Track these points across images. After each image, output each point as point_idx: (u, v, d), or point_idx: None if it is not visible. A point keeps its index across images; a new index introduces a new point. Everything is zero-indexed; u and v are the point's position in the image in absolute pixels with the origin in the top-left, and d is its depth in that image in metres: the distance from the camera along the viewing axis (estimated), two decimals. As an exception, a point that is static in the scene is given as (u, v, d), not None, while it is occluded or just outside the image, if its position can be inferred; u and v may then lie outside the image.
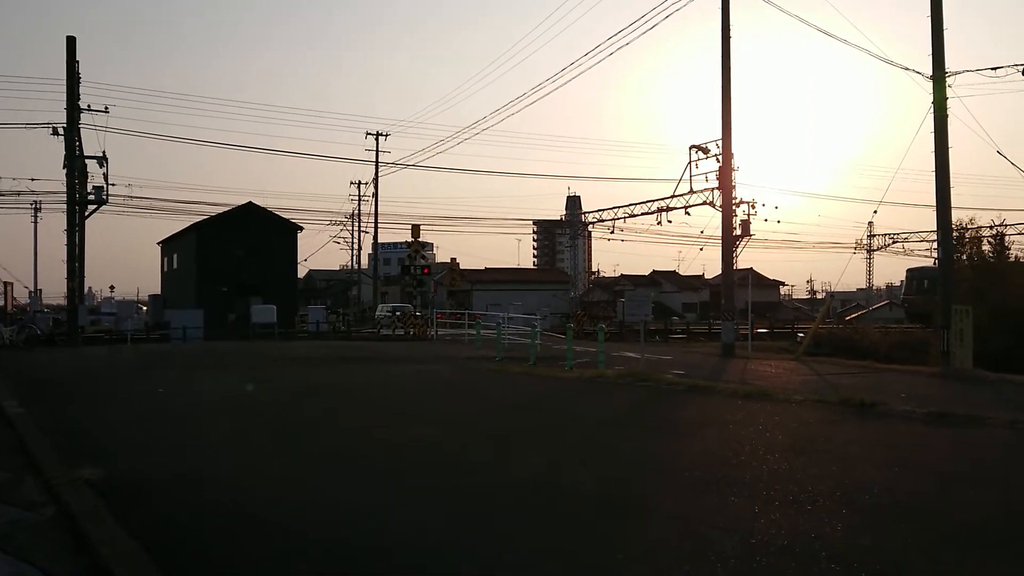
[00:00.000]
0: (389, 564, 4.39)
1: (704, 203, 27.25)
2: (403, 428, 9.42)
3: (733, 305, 23.06)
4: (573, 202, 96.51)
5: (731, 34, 21.96)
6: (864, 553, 4.41)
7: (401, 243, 34.09)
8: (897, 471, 6.66)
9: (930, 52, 17.35)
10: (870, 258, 54.04)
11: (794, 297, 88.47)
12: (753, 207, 29.06)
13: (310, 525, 5.13)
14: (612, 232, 35.69)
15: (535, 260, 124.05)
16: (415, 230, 31.63)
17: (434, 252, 73.60)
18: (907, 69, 18.49)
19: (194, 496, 5.98)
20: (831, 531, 4.82)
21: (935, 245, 19.14)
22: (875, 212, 61.80)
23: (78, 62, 27.63)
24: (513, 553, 4.54)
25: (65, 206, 27.86)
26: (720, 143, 23.48)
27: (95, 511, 5.39)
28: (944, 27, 17.26)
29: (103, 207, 29.45)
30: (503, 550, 4.60)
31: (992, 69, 17.29)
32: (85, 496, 5.78)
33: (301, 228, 46.98)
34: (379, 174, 49.38)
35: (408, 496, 5.93)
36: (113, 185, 32.32)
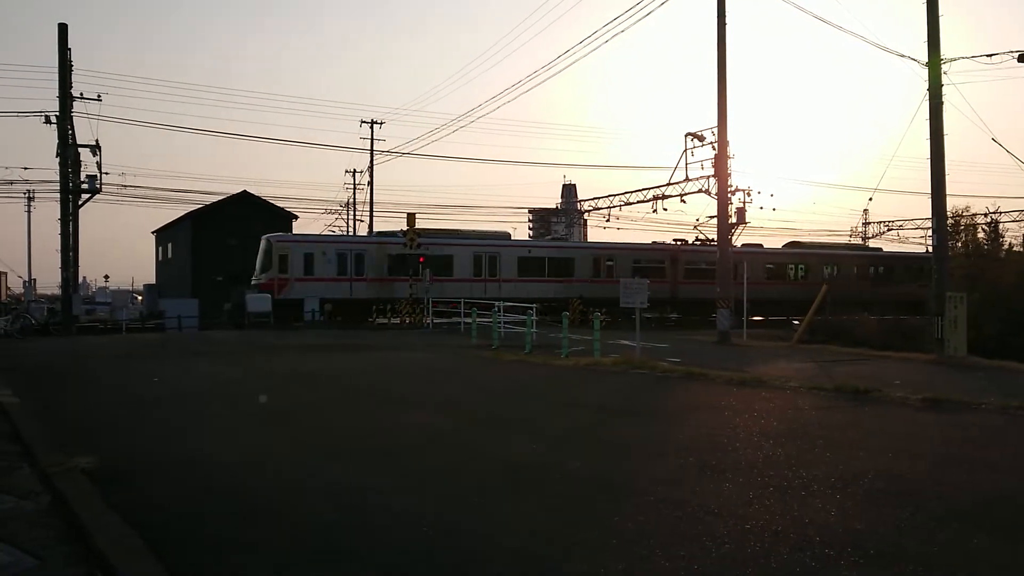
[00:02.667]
0: (387, 545, 4.41)
1: (700, 191, 27.27)
2: (399, 414, 9.43)
3: (729, 293, 23.08)
4: (569, 190, 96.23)
5: (726, 21, 21.91)
6: (858, 537, 4.44)
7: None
8: (891, 456, 6.69)
9: (925, 39, 17.34)
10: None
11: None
12: (749, 195, 29.11)
13: (306, 508, 5.14)
14: (608, 220, 35.69)
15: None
16: (410, 218, 31.52)
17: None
18: (903, 56, 18.50)
19: (191, 483, 5.98)
20: (825, 516, 4.85)
21: (930, 232, 19.15)
22: (870, 199, 61.75)
23: (70, 50, 27.44)
24: (511, 536, 4.55)
25: (59, 195, 27.72)
26: (716, 131, 23.47)
27: (91, 499, 5.39)
28: (939, 13, 17.25)
29: (97, 196, 29.31)
30: (500, 532, 4.61)
31: (987, 56, 17.31)
32: (81, 484, 5.79)
33: (296, 217, 46.83)
34: (375, 162, 49.23)
35: (405, 478, 5.94)
36: (107, 174, 32.17)
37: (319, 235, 32.75)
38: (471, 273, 32.96)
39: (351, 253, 31.31)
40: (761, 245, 40.07)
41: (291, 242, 31.17)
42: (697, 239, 38.35)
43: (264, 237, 30.95)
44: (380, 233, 33.70)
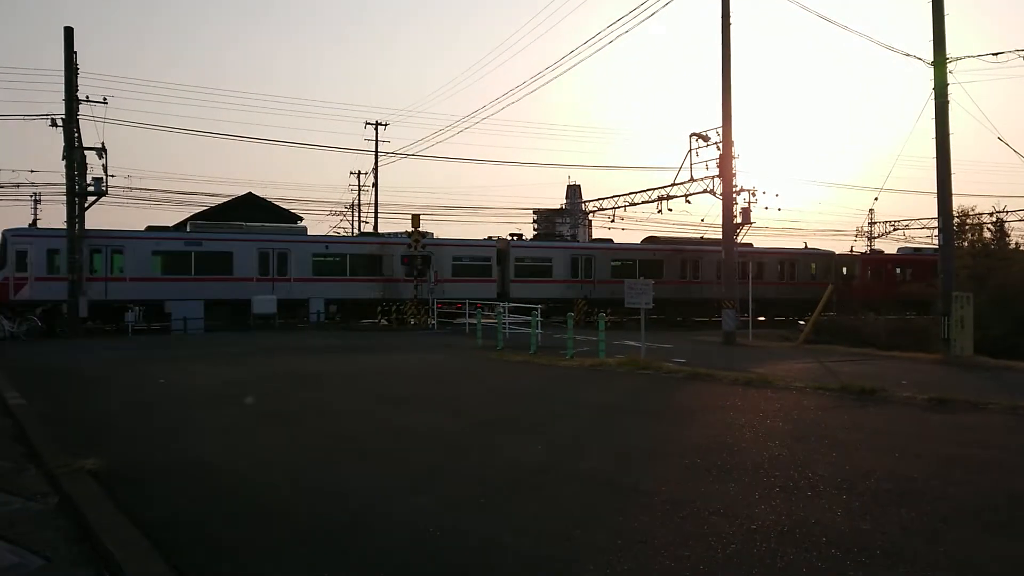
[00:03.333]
0: (391, 546, 4.41)
1: (705, 191, 27.24)
2: (404, 414, 9.44)
3: (734, 293, 23.05)
4: (573, 191, 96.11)
5: (731, 21, 21.89)
6: (865, 537, 4.43)
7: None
8: (898, 456, 6.68)
9: (931, 38, 17.31)
10: (871, 245, 53.99)
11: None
12: (754, 195, 29.08)
13: (310, 510, 5.15)
14: (613, 220, 35.68)
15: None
16: (415, 220, 31.59)
17: (434, 242, 73.19)
18: (908, 55, 18.45)
19: (196, 484, 6.00)
20: (832, 516, 4.84)
21: (936, 231, 19.10)
22: (876, 199, 61.75)
23: (76, 53, 27.51)
24: (516, 536, 4.55)
25: (65, 198, 27.79)
26: (720, 131, 23.44)
27: (97, 500, 5.42)
28: (945, 12, 17.22)
29: (103, 198, 29.35)
30: (505, 532, 4.61)
31: (993, 54, 17.24)
32: (87, 485, 5.82)
33: (301, 218, 46.82)
34: (379, 164, 49.33)
35: (410, 479, 5.95)
36: (112, 176, 32.17)
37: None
38: (257, 272, 29.59)
39: (108, 249, 27.82)
40: (611, 240, 37.17)
41: (32, 236, 27.48)
42: (536, 234, 36.24)
43: (2, 231, 27.47)
44: (151, 228, 30.04)
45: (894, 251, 45.22)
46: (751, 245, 39.43)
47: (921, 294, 29.08)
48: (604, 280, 34.66)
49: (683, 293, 35.72)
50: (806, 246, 41.98)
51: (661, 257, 36.48)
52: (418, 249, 30.79)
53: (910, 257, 42.18)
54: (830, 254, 40.81)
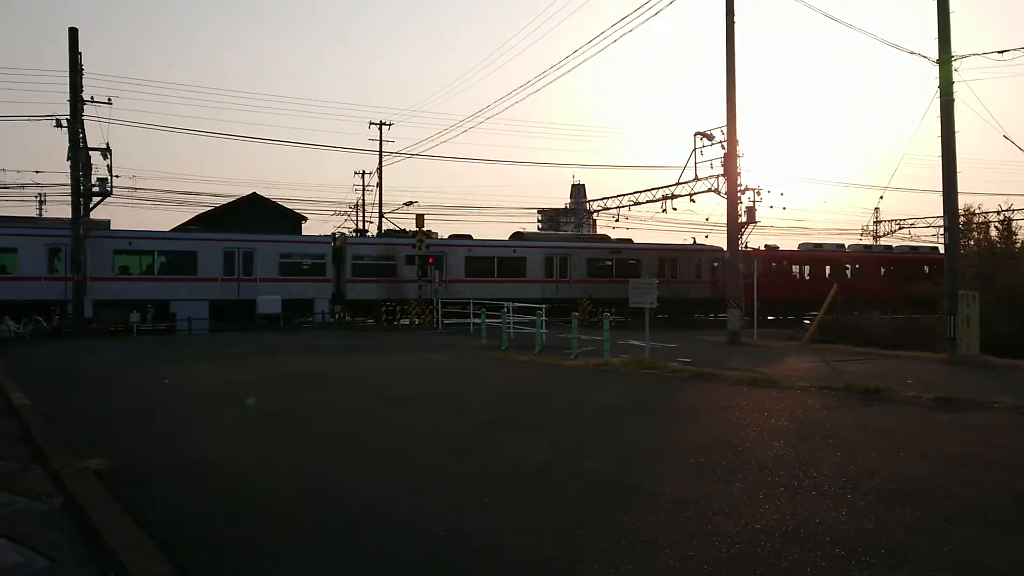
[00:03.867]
0: (395, 546, 4.41)
1: (709, 190, 27.19)
2: (407, 414, 9.44)
3: (739, 292, 23.01)
4: (578, 190, 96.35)
5: (735, 20, 21.85)
6: (869, 537, 4.41)
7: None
8: (902, 456, 6.66)
9: (935, 36, 17.25)
10: (875, 243, 53.80)
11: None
12: (758, 194, 29.03)
13: (314, 510, 5.15)
14: (617, 220, 35.56)
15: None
16: (419, 220, 31.64)
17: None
18: (913, 53, 18.38)
19: (200, 484, 6.00)
20: (836, 516, 4.82)
21: (942, 230, 19.04)
22: (881, 198, 61.52)
23: (80, 54, 27.56)
24: (521, 536, 4.54)
25: (70, 198, 27.86)
26: (725, 130, 23.40)
27: (102, 500, 5.42)
28: (950, 10, 17.16)
29: (107, 199, 29.43)
30: (510, 532, 4.60)
31: (999, 52, 17.16)
32: (92, 485, 5.82)
33: (306, 219, 46.83)
34: (383, 164, 49.37)
35: (412, 479, 5.94)
36: (117, 177, 32.22)
37: None
38: (46, 271, 27.58)
39: None
40: (470, 236, 35.46)
41: None
42: (386, 231, 34.04)
43: None
44: None
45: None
46: (630, 241, 38.06)
47: (817, 290, 27.96)
48: (458, 279, 32.93)
49: (549, 292, 34.13)
50: (694, 241, 39.92)
51: (523, 255, 34.78)
52: (423, 248, 30.86)
53: (807, 254, 40.97)
54: (718, 250, 38.67)
